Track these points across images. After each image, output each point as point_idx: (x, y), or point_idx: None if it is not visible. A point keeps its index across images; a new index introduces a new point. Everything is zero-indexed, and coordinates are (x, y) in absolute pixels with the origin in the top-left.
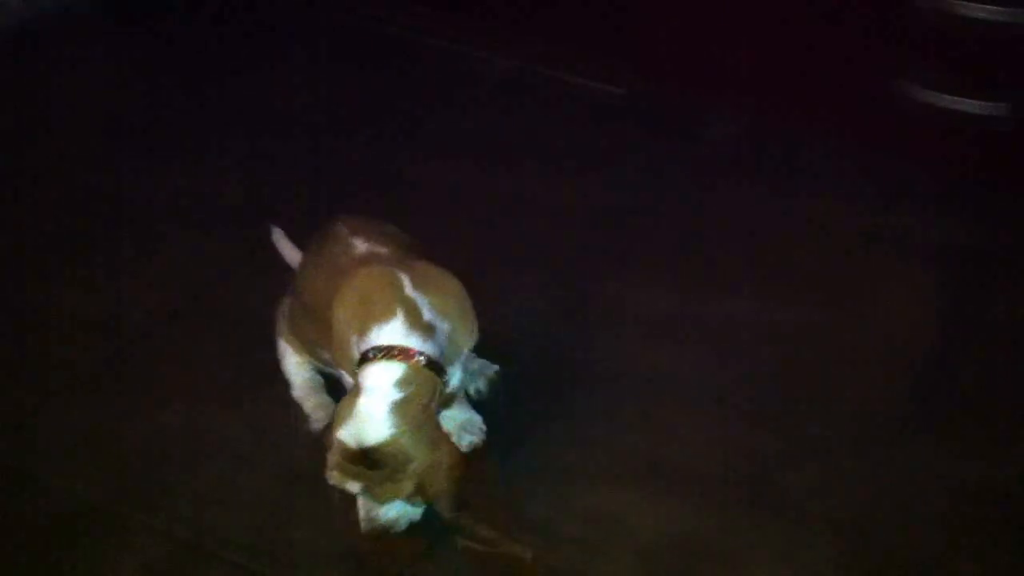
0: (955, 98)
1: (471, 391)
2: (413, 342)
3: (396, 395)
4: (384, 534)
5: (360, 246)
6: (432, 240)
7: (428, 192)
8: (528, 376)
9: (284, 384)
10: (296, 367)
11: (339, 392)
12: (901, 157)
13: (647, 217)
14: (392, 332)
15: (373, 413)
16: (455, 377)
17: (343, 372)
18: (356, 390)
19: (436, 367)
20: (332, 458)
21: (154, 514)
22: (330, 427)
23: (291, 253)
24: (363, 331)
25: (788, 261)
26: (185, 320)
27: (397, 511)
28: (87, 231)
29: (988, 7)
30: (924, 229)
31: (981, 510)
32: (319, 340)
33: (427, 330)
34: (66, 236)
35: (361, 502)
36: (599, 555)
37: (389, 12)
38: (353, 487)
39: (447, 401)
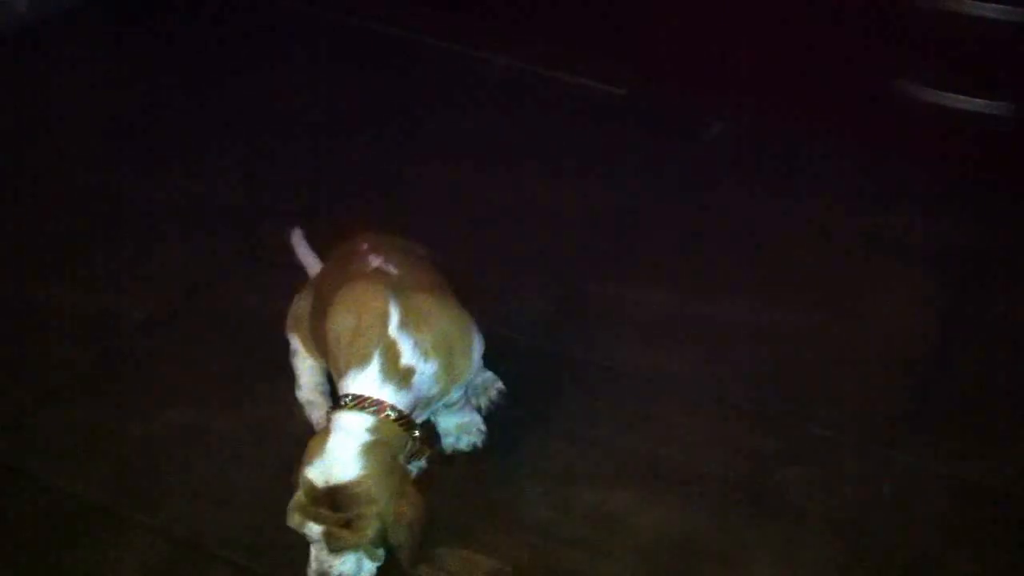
0: (957, 96)
1: (474, 404)
2: (386, 392)
3: (366, 438)
4: None
5: (373, 262)
6: (432, 240)
7: (428, 192)
8: (528, 376)
9: (285, 383)
10: (306, 367)
11: None
12: (901, 157)
13: (647, 217)
14: (366, 381)
15: (343, 452)
16: (457, 391)
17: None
18: (326, 431)
19: (404, 422)
20: (295, 498)
21: (154, 513)
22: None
23: (307, 255)
24: (343, 370)
25: (788, 261)
26: (185, 320)
27: (351, 566)
28: (87, 230)
29: (990, 5)
30: (924, 229)
31: (981, 510)
32: (321, 343)
33: (403, 378)
34: (66, 235)
35: (314, 552)
36: (600, 555)
37: (389, 12)
38: (313, 530)
39: (417, 454)
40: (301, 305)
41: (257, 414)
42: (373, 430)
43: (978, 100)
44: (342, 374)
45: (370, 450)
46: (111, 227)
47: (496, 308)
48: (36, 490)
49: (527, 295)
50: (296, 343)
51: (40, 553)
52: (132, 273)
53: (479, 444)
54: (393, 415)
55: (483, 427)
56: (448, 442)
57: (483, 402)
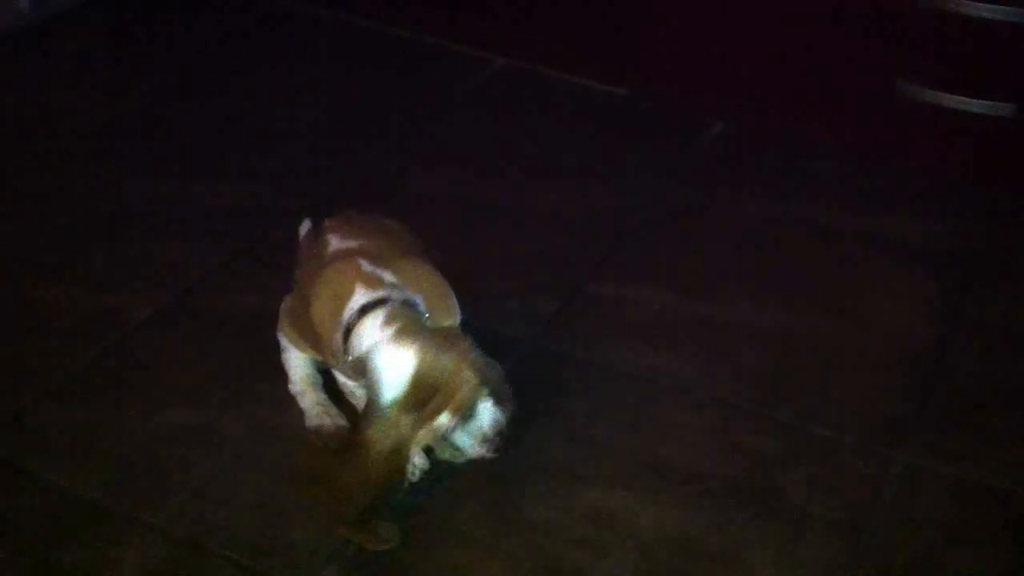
0: (957, 97)
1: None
2: (379, 294)
3: (390, 330)
4: (509, 435)
5: (333, 243)
6: (432, 240)
7: (428, 192)
8: (529, 376)
9: (286, 383)
10: (296, 361)
11: (336, 390)
12: (901, 158)
13: (647, 218)
14: (359, 299)
15: (389, 356)
16: None
17: (336, 371)
18: (358, 360)
19: (411, 304)
20: (401, 433)
21: (154, 513)
22: (357, 428)
23: None
24: (336, 316)
25: (788, 262)
26: (186, 319)
27: (490, 410)
28: (87, 230)
29: (990, 6)
30: (924, 230)
31: (982, 510)
32: (313, 337)
33: (393, 287)
34: (66, 235)
35: (460, 437)
36: (600, 554)
37: (389, 12)
38: (441, 427)
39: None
40: (287, 301)
41: (258, 414)
42: (388, 320)
43: (978, 101)
44: (337, 321)
45: (401, 336)
46: (111, 227)
47: (497, 307)
48: (36, 489)
49: (528, 295)
50: (283, 340)
51: (40, 552)
52: (132, 273)
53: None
54: (398, 302)
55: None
56: (446, 455)
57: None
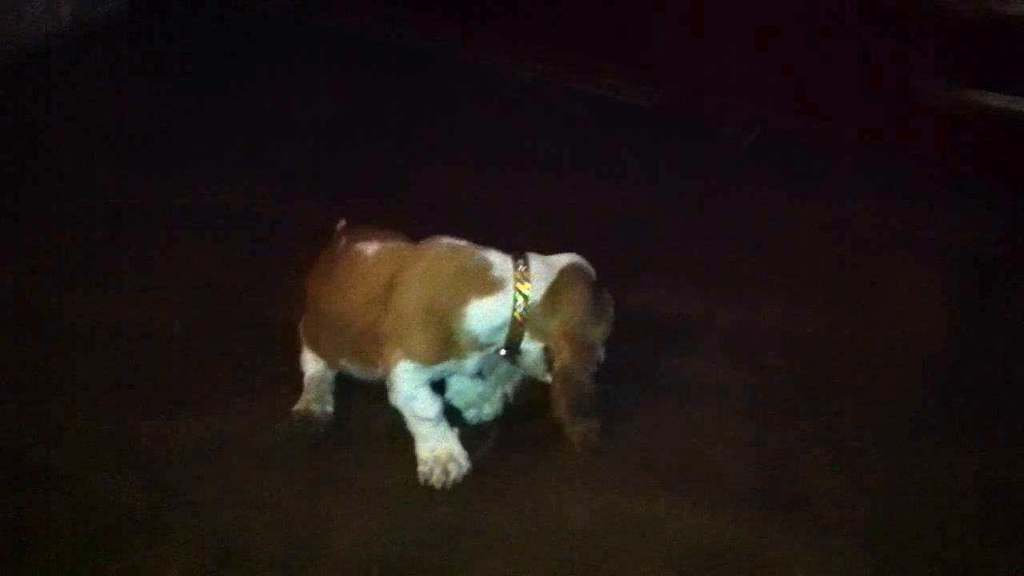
0: (981, 92)
1: (498, 394)
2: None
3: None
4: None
5: (369, 248)
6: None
7: (445, 194)
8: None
9: None
10: (311, 360)
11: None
12: (923, 161)
13: (669, 219)
14: (496, 257)
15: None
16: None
17: (402, 370)
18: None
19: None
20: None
21: (192, 521)
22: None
23: None
24: (482, 288)
25: (812, 264)
26: (219, 329)
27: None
28: (120, 244)
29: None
30: (950, 230)
31: (1009, 510)
32: (339, 351)
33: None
34: (97, 245)
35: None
36: (638, 562)
37: (390, 15)
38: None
39: None
40: (304, 320)
41: (303, 421)
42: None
43: (1002, 96)
44: (481, 293)
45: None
46: (139, 234)
47: None
48: (71, 497)
49: None
50: (304, 351)
51: (80, 560)
52: (163, 282)
53: (500, 412)
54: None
55: (501, 392)
56: (471, 415)
57: (509, 389)
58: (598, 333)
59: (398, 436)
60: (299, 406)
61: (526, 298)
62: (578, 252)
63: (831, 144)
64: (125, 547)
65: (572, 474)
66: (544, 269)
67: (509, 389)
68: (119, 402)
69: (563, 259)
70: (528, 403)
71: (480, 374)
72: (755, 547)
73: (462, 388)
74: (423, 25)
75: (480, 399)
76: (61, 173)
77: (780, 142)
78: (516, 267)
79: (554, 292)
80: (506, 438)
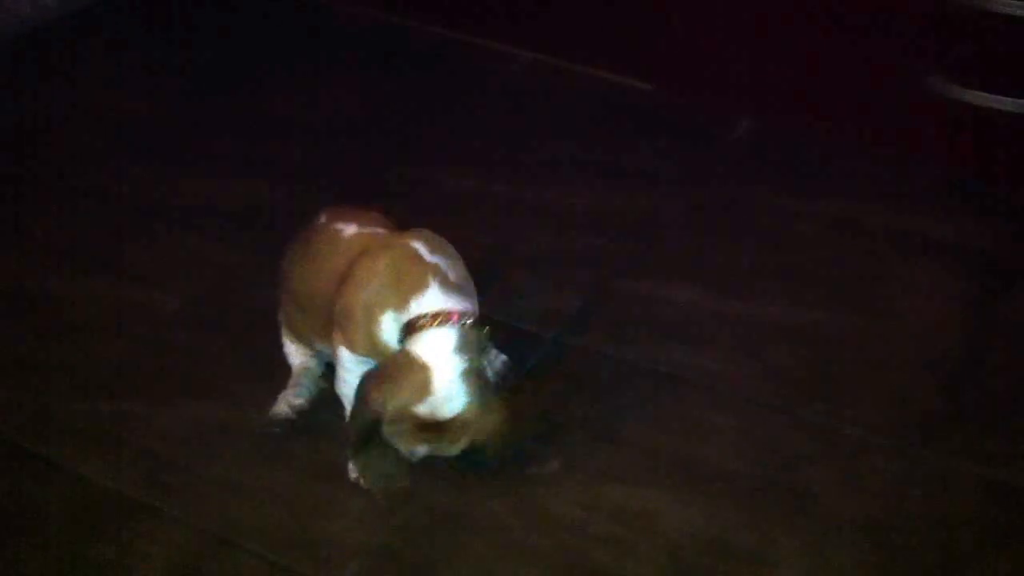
0: (986, 94)
1: None
2: (453, 304)
3: (462, 365)
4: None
5: (347, 229)
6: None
7: (452, 189)
8: (557, 373)
9: None
10: (293, 352)
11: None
12: (932, 156)
13: (674, 215)
14: (432, 299)
15: (450, 388)
16: None
17: (341, 355)
18: (417, 364)
19: (477, 322)
20: (401, 427)
21: (182, 506)
22: (365, 400)
23: None
24: (401, 304)
25: (817, 260)
26: (215, 315)
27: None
28: (114, 226)
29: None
30: (955, 228)
31: (1016, 511)
32: (311, 331)
33: (458, 289)
34: (93, 231)
35: (400, 446)
36: (629, 553)
37: (409, 8)
38: (420, 450)
39: (485, 348)
40: (282, 310)
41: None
42: (460, 348)
43: (1010, 99)
44: (401, 310)
45: (468, 377)
46: (138, 223)
47: (523, 304)
48: (65, 481)
49: (555, 292)
50: (284, 337)
51: (68, 545)
52: (162, 268)
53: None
54: (469, 321)
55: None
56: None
57: (490, 375)
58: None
59: None
60: (276, 407)
61: None
62: (579, 249)
63: (837, 142)
64: (116, 531)
65: (565, 464)
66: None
67: (491, 375)
68: (113, 387)
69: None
70: (517, 390)
71: None
72: (749, 540)
73: None
74: (425, 20)
75: None
76: (58, 162)
77: (785, 140)
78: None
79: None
80: None
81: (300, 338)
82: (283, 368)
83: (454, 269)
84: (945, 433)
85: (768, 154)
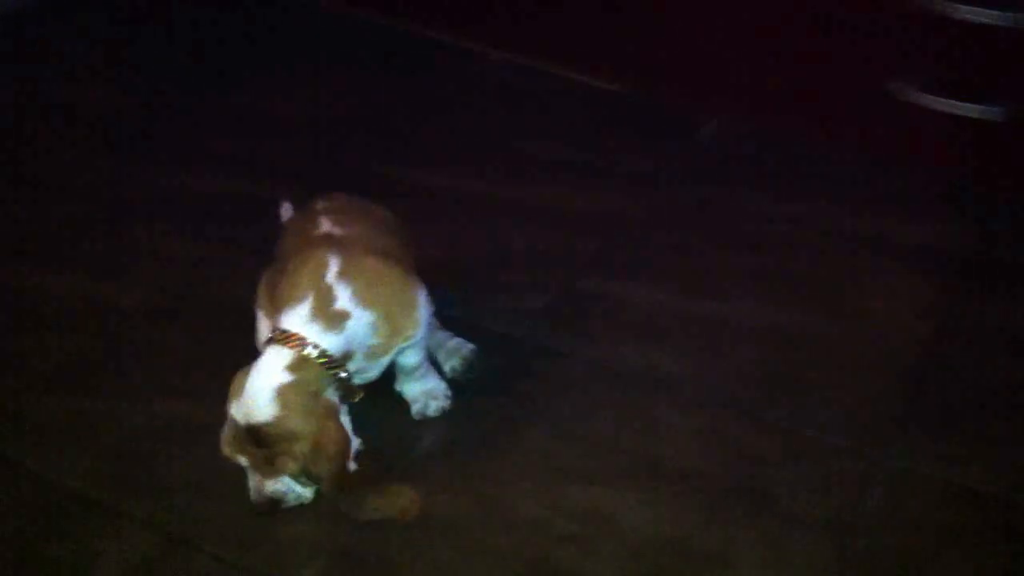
0: (951, 101)
1: (446, 369)
2: (312, 330)
3: (284, 378)
4: (273, 507)
5: (323, 225)
6: (430, 241)
7: (425, 189)
8: (524, 372)
9: None
10: (263, 332)
11: None
12: (899, 161)
13: (646, 216)
14: (295, 317)
15: (260, 394)
16: (415, 355)
17: None
18: (249, 367)
19: (328, 361)
20: (226, 431)
21: (143, 505)
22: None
23: None
24: (279, 310)
25: (785, 263)
26: (181, 311)
27: (283, 488)
28: (83, 219)
29: (986, 11)
30: (921, 232)
31: (974, 514)
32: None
33: (333, 319)
34: (62, 224)
35: (249, 477)
36: (590, 553)
37: (392, 8)
38: (243, 462)
39: (350, 393)
40: (266, 274)
41: None
42: (292, 367)
43: (971, 104)
44: (275, 317)
45: (286, 391)
46: (108, 217)
47: (491, 303)
48: (23, 479)
49: (525, 292)
50: (258, 314)
51: (23, 543)
52: (127, 262)
53: (447, 408)
54: (314, 353)
55: (449, 392)
56: (416, 408)
57: (456, 364)
58: None
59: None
60: None
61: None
62: (549, 248)
63: (817, 146)
64: (75, 529)
65: (527, 463)
66: None
67: (457, 363)
68: (74, 383)
69: None
70: (499, 388)
71: (435, 364)
72: (710, 540)
73: (408, 382)
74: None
75: (425, 396)
76: (20, 153)
77: (756, 142)
78: None
79: None
80: (460, 425)
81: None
82: (244, 364)
83: (361, 298)
84: (906, 435)
85: (740, 156)
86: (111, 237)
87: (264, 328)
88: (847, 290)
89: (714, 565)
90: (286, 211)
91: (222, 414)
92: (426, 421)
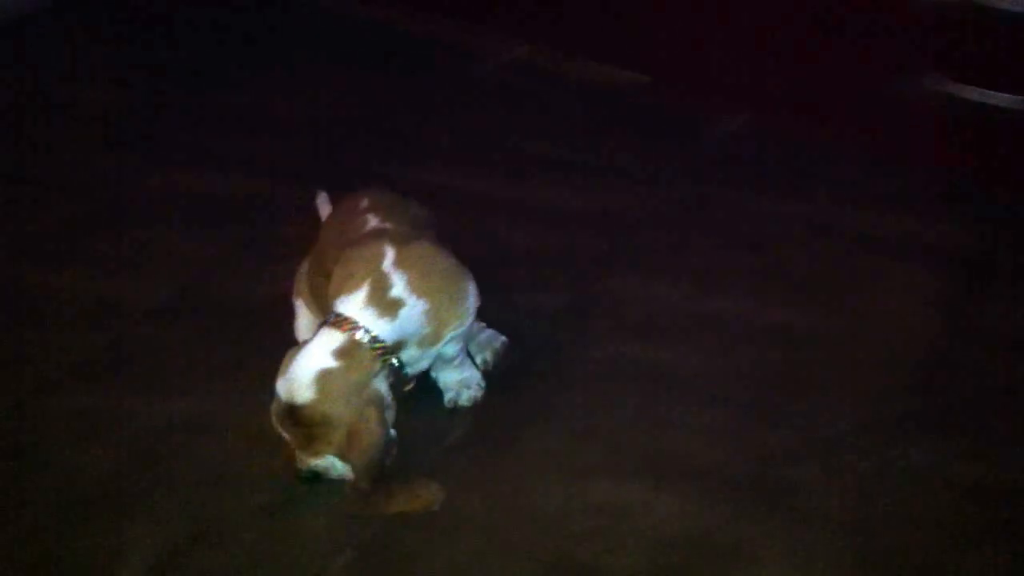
0: (964, 89)
1: (478, 360)
2: (366, 316)
3: (329, 363)
4: (315, 478)
5: (371, 221)
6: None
7: (436, 187)
8: (539, 370)
9: None
10: (306, 328)
11: None
12: (903, 160)
13: (654, 215)
14: (351, 303)
15: (302, 375)
16: (454, 346)
17: None
18: (303, 344)
19: (381, 348)
20: (274, 404)
21: (160, 500)
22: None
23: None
24: (334, 298)
25: (790, 261)
26: (191, 309)
27: (327, 462)
28: (93, 219)
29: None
30: (928, 229)
31: (984, 511)
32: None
33: (388, 306)
34: (72, 224)
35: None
36: (613, 549)
37: (400, 5)
38: (284, 435)
39: (402, 382)
40: (304, 266)
41: (262, 401)
42: (340, 352)
43: (981, 92)
44: (332, 304)
45: (327, 376)
46: (117, 216)
47: (503, 301)
48: (41, 476)
49: (536, 291)
50: (297, 304)
51: (45, 539)
52: (139, 262)
53: (479, 399)
54: (366, 338)
55: (483, 383)
56: (449, 396)
57: (488, 356)
58: None
59: None
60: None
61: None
62: (558, 247)
63: (823, 144)
64: (96, 522)
65: (546, 459)
66: None
67: (489, 356)
68: (95, 377)
69: None
70: (505, 385)
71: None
72: (726, 535)
73: (445, 371)
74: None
75: (459, 385)
76: (29, 153)
77: (762, 142)
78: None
79: None
80: (481, 419)
81: (321, 306)
82: (257, 360)
83: (415, 287)
84: (920, 432)
85: (745, 156)
86: (119, 237)
87: (303, 318)
88: (855, 289)
89: (733, 561)
90: (323, 201)
91: (238, 413)
92: (444, 417)
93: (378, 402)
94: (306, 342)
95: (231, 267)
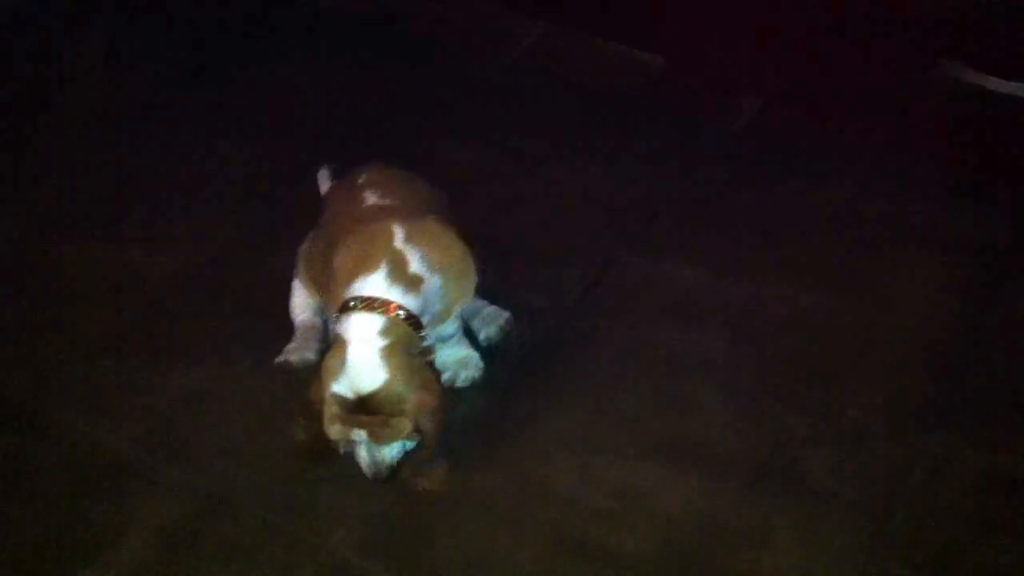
0: (991, 78)
1: (481, 336)
2: (394, 294)
3: (382, 342)
4: (392, 473)
5: (369, 198)
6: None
7: (459, 169)
8: (559, 350)
9: None
10: (300, 307)
11: None
12: (929, 149)
13: (678, 198)
14: (375, 284)
15: (365, 362)
16: (453, 323)
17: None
18: (340, 343)
19: (414, 322)
20: (330, 412)
21: (182, 469)
22: (315, 387)
23: None
24: (349, 281)
25: (814, 248)
26: (215, 280)
27: (398, 450)
28: (117, 193)
29: None
30: (954, 217)
31: (1001, 500)
32: (324, 282)
33: (411, 283)
34: (97, 198)
35: (363, 451)
36: (623, 528)
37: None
38: (357, 435)
39: (424, 353)
40: (305, 245)
41: (283, 373)
42: (385, 332)
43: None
44: (348, 287)
45: (389, 354)
46: (141, 191)
47: (526, 280)
48: (64, 443)
49: (559, 269)
50: (295, 284)
51: (66, 506)
52: (162, 234)
53: (476, 378)
54: (403, 314)
55: (480, 363)
56: (446, 377)
57: (492, 332)
58: None
59: None
60: (280, 357)
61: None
62: (579, 231)
63: (843, 134)
64: (114, 492)
65: (561, 438)
66: None
67: (493, 331)
68: (112, 350)
69: None
70: (521, 366)
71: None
72: (740, 519)
73: (442, 350)
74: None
75: (457, 365)
76: (60, 126)
77: (784, 129)
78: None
79: None
80: (494, 399)
81: (316, 285)
82: (281, 333)
83: (428, 263)
84: (943, 421)
85: (767, 144)
86: (144, 210)
87: (301, 297)
88: (879, 277)
89: (749, 543)
90: (323, 178)
91: (256, 384)
92: (462, 393)
93: (428, 369)
94: (341, 341)
95: (254, 240)
